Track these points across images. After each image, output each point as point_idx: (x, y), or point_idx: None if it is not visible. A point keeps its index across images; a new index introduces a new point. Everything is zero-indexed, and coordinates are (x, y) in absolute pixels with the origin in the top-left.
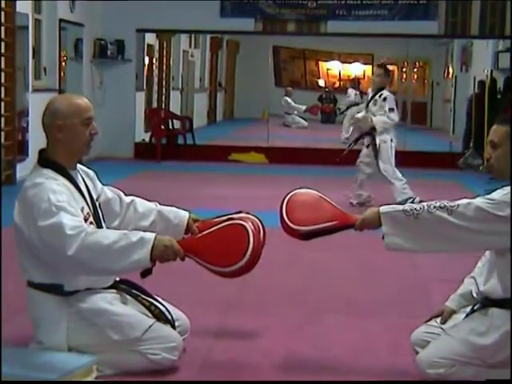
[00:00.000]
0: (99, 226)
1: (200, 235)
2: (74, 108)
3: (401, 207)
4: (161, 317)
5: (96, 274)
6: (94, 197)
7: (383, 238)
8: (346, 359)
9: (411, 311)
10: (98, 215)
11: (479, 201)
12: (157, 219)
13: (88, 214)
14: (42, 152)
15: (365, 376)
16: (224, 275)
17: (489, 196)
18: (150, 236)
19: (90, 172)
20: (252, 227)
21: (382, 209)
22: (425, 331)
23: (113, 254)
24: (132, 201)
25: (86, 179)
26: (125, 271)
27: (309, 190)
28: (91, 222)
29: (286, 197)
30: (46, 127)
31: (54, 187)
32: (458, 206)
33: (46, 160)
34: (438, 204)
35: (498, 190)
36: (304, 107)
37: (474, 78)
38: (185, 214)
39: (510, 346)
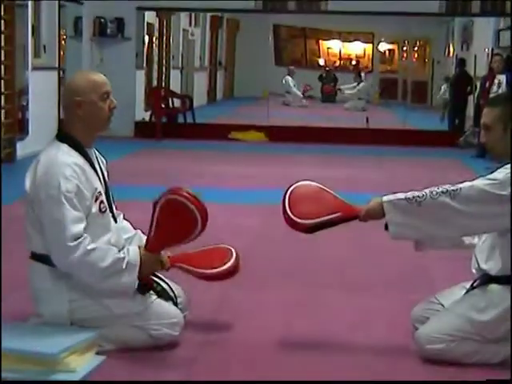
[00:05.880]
0: (110, 205)
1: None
2: (90, 84)
3: (403, 195)
4: (163, 294)
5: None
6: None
7: (386, 227)
8: (346, 335)
9: (411, 288)
10: (108, 193)
11: (481, 182)
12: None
13: (100, 192)
14: (60, 126)
15: (364, 352)
16: (207, 277)
17: (491, 176)
18: (135, 262)
19: (103, 159)
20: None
21: (385, 198)
22: (425, 307)
23: (103, 276)
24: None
25: (99, 159)
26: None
27: (309, 182)
28: (102, 201)
29: (287, 190)
30: (66, 104)
31: (67, 172)
32: (461, 189)
33: (64, 135)
34: (440, 189)
35: (501, 169)
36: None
37: (475, 57)
38: None
39: (511, 324)
